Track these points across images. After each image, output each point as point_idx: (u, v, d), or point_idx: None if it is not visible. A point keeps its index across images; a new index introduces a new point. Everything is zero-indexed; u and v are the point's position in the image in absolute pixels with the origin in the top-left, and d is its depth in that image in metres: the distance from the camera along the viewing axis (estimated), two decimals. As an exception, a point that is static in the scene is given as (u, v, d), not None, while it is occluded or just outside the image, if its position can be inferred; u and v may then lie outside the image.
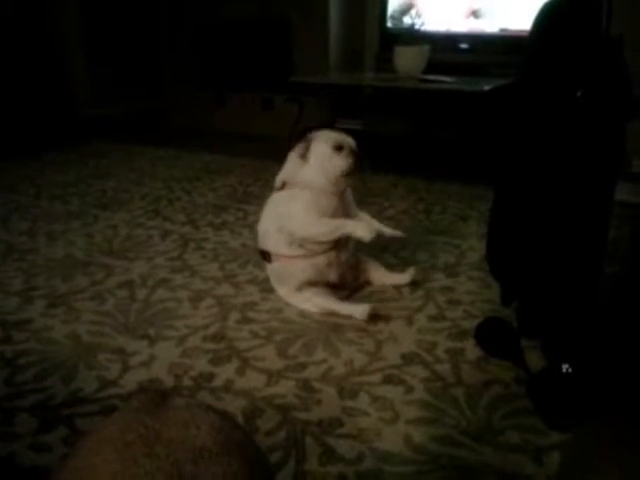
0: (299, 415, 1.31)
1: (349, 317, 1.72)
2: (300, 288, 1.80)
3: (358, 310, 1.72)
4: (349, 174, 1.78)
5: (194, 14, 4.38)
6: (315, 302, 1.77)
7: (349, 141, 1.80)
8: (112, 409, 1.32)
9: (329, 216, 1.76)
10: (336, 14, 3.90)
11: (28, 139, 3.86)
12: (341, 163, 1.76)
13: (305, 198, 1.77)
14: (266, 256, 1.86)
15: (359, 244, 1.83)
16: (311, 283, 1.80)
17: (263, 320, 1.73)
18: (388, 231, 1.88)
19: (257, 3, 4.07)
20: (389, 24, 3.69)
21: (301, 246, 1.79)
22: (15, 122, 3.80)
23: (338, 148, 1.77)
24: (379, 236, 1.78)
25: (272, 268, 1.88)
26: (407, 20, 3.51)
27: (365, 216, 1.90)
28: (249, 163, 3.54)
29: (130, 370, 1.48)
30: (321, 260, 1.80)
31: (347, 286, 1.87)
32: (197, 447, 0.68)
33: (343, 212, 1.80)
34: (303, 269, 1.80)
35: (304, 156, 1.79)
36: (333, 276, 1.83)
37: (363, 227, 1.74)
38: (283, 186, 1.84)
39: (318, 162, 1.77)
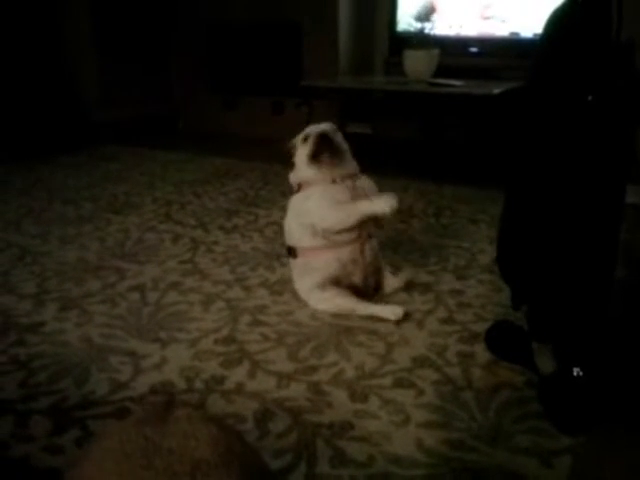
0: (310, 418, 1.31)
1: (381, 319, 1.72)
2: (323, 285, 1.80)
3: (391, 311, 1.73)
4: (319, 158, 1.83)
5: (205, 18, 4.40)
6: (337, 303, 1.78)
7: (315, 130, 1.89)
8: (124, 411, 1.34)
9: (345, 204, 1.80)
10: (346, 18, 3.91)
11: (39, 143, 3.89)
12: (304, 151, 1.86)
13: (318, 193, 1.82)
14: (292, 252, 1.89)
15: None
16: (335, 281, 1.80)
17: (274, 323, 1.74)
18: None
19: (268, 7, 4.09)
20: (404, 27, 3.70)
21: (324, 237, 1.80)
22: (26, 126, 3.84)
23: (304, 140, 1.88)
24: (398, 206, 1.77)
25: (296, 263, 1.89)
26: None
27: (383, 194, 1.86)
28: (259, 167, 3.55)
29: (142, 373, 1.49)
30: (345, 254, 1.80)
31: (369, 292, 1.87)
32: (196, 459, 0.69)
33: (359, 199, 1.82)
34: (328, 263, 1.80)
35: (291, 160, 1.91)
36: (357, 277, 1.83)
37: (379, 202, 1.75)
38: (299, 189, 1.90)
39: (298, 160, 1.89)
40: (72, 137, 4.09)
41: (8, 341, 1.64)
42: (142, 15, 4.40)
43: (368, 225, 1.83)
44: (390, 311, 1.74)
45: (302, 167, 1.88)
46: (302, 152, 1.88)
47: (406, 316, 1.73)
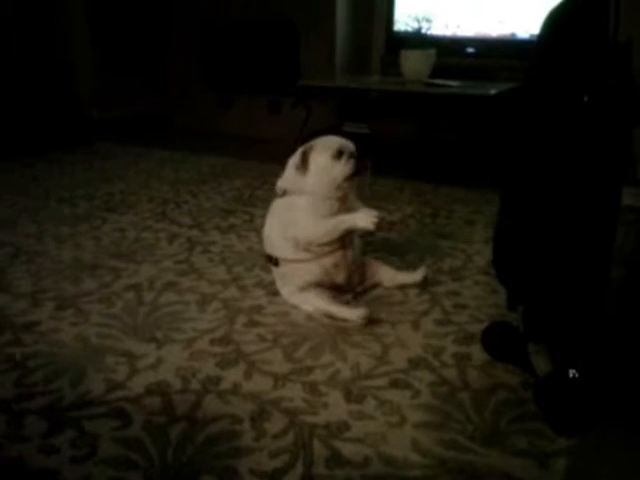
0: (306, 418, 1.31)
1: (345, 321, 1.72)
2: (304, 288, 1.81)
3: (355, 313, 1.72)
4: (351, 177, 1.79)
5: (201, 17, 4.39)
6: (313, 303, 1.78)
7: (348, 145, 1.81)
8: (120, 412, 1.33)
9: (330, 217, 1.78)
10: (343, 17, 3.91)
11: (35, 141, 3.88)
12: (343, 169, 1.77)
13: (304, 204, 1.78)
14: (272, 260, 1.87)
15: (366, 246, 1.83)
16: (317, 284, 1.81)
17: (270, 323, 1.73)
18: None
19: (264, 6, 4.09)
20: (401, 27, 3.70)
21: (307, 250, 1.79)
22: (22, 124, 3.83)
23: (338, 154, 1.78)
24: (382, 220, 1.76)
25: (278, 270, 1.89)
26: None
27: (365, 209, 1.84)
28: (255, 166, 3.55)
29: (138, 373, 1.49)
30: (328, 261, 1.80)
31: (353, 288, 1.88)
32: None
33: (345, 212, 1.80)
34: (310, 270, 1.80)
35: (302, 167, 1.79)
36: (340, 277, 1.83)
37: (362, 217, 1.73)
38: (284, 193, 1.85)
39: (319, 172, 1.77)
40: (68, 135, 4.08)
41: (3, 340, 1.64)
42: (138, 13, 4.39)
43: (353, 233, 1.82)
44: (352, 313, 1.72)
45: (317, 178, 1.78)
46: (333, 168, 1.76)
47: (371, 320, 1.71)
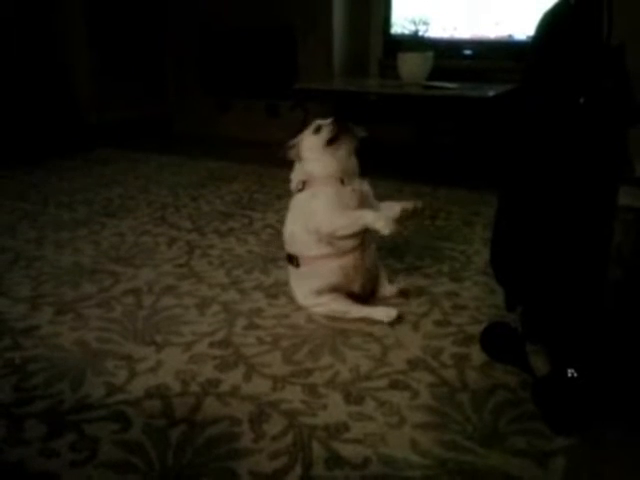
0: (305, 420, 1.32)
1: (375, 321, 1.73)
2: (321, 291, 1.80)
3: (384, 313, 1.73)
4: (338, 141, 1.81)
5: (199, 21, 4.40)
6: (332, 307, 1.78)
7: (326, 121, 1.86)
8: (120, 415, 1.34)
9: (351, 208, 1.77)
10: (340, 21, 3.92)
11: (34, 146, 3.89)
12: (323, 134, 1.82)
13: (327, 194, 1.77)
14: (293, 260, 1.85)
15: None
16: (335, 288, 1.79)
17: (269, 326, 1.74)
18: (405, 204, 1.86)
19: (261, 10, 4.10)
20: (399, 30, 3.71)
21: (329, 244, 1.77)
22: (20, 129, 3.84)
23: (317, 130, 1.84)
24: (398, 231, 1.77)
25: (298, 271, 1.85)
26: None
27: (387, 206, 1.85)
28: (254, 170, 3.55)
29: (137, 376, 1.49)
30: (349, 262, 1.78)
31: (367, 297, 1.86)
32: None
33: (365, 206, 1.80)
34: (331, 271, 1.79)
35: (298, 156, 1.86)
36: (357, 283, 1.81)
37: (383, 220, 1.71)
38: (303, 187, 1.85)
39: (309, 152, 1.84)
40: (66, 141, 4.09)
41: (3, 345, 1.64)
42: (136, 18, 4.40)
43: (370, 232, 1.80)
44: (384, 313, 1.74)
45: (312, 159, 1.82)
46: (314, 142, 1.83)
47: (399, 318, 1.74)
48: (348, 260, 1.79)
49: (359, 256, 1.80)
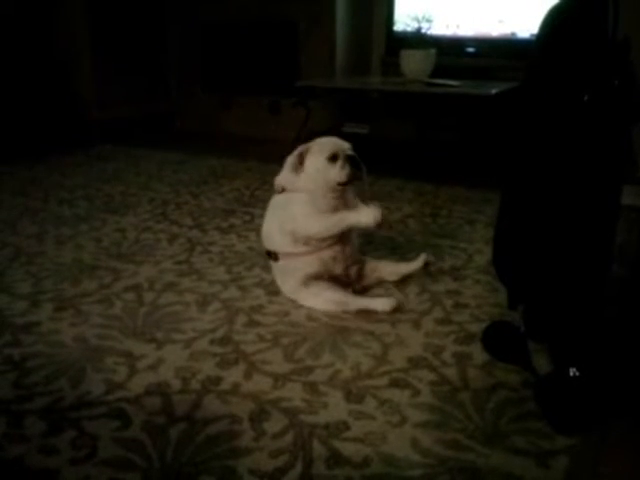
0: (306, 418, 1.31)
1: (373, 311, 1.74)
2: (306, 282, 1.81)
3: (382, 303, 1.74)
4: (347, 183, 1.78)
5: (201, 18, 4.40)
6: (326, 297, 1.78)
7: (344, 149, 1.79)
8: (119, 412, 1.33)
9: (329, 213, 1.78)
10: (343, 18, 3.91)
11: (35, 142, 3.88)
12: (336, 174, 1.76)
13: (302, 200, 1.79)
14: (272, 255, 1.88)
15: (367, 245, 1.83)
16: (316, 276, 1.81)
17: (270, 323, 1.73)
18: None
19: (264, 7, 4.09)
20: (402, 27, 3.70)
21: (306, 243, 1.80)
22: (22, 125, 3.83)
23: (332, 158, 1.76)
24: (384, 218, 1.75)
25: (277, 265, 1.89)
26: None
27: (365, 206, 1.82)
28: (255, 167, 3.55)
29: (137, 373, 1.48)
30: (327, 254, 1.81)
31: (351, 281, 1.88)
32: None
33: (344, 208, 1.80)
34: (309, 262, 1.81)
35: (298, 167, 1.80)
36: (338, 269, 1.84)
37: (365, 214, 1.72)
38: (282, 190, 1.86)
39: (314, 173, 1.78)
40: (68, 137, 4.08)
41: (2, 341, 1.63)
42: (138, 15, 4.39)
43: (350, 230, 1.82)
44: (382, 303, 1.74)
45: (309, 181, 1.78)
46: (326, 174, 1.76)
47: (396, 310, 1.74)
48: (326, 253, 1.81)
49: (339, 249, 1.82)
